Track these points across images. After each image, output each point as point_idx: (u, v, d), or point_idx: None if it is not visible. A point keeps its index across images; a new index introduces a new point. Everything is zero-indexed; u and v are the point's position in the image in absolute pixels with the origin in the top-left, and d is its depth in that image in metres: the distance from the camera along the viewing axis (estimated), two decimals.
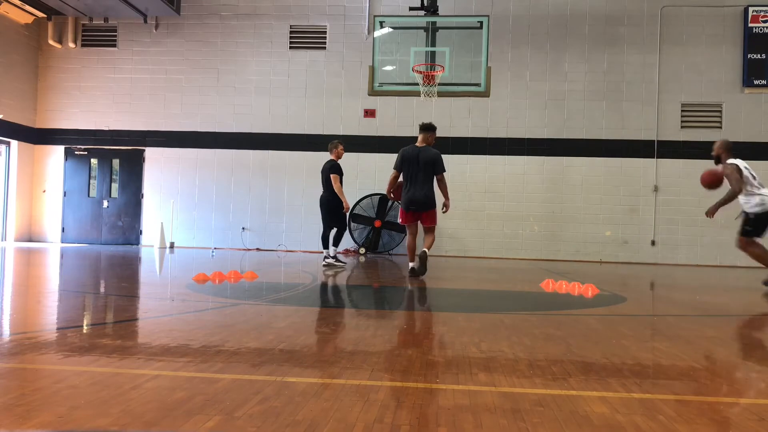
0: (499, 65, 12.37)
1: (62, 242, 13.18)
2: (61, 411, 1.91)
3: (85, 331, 3.42)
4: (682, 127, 12.77)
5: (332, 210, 8.60)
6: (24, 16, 13.26)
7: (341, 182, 8.54)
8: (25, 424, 1.78)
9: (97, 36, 13.85)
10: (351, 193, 12.89)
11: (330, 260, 8.55)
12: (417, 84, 9.83)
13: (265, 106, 13.41)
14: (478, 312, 4.57)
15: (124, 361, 2.63)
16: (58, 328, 3.54)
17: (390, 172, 7.50)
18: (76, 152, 13.79)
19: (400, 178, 7.28)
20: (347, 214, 8.85)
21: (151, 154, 13.62)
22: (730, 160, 7.03)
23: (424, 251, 7.10)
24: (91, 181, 13.86)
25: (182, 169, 13.53)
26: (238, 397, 2.10)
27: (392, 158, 7.58)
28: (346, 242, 12.98)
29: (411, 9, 10.69)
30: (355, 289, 6.36)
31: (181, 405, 1.99)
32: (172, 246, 13.21)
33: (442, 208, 7.32)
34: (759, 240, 6.95)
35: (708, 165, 12.67)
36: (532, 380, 2.48)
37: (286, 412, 1.95)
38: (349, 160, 13.30)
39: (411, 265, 7.17)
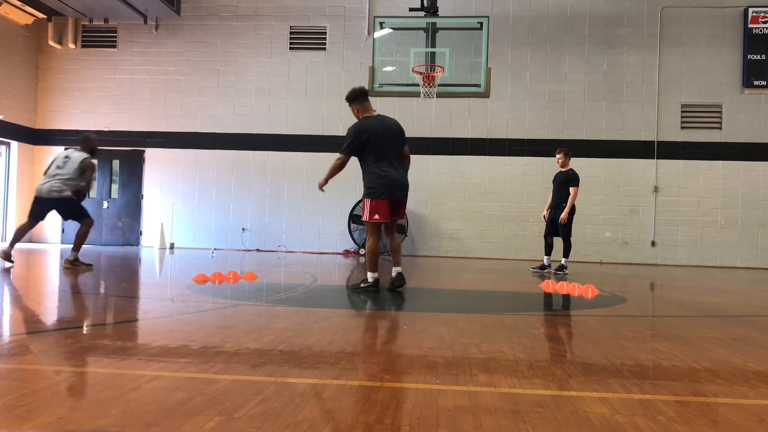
0: (499, 66, 12.38)
1: (62, 243, 13.18)
2: (61, 412, 1.91)
3: (85, 332, 3.42)
4: (682, 127, 12.78)
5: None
6: (24, 17, 13.26)
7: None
8: (25, 425, 1.78)
9: (97, 37, 13.85)
10: (352, 194, 12.92)
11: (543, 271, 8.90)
12: (417, 85, 9.83)
13: (265, 107, 13.42)
14: (479, 313, 4.57)
15: (124, 361, 2.63)
16: (58, 329, 3.54)
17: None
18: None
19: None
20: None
21: (151, 154, 13.62)
22: None
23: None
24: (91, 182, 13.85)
25: (182, 170, 13.54)
26: (238, 398, 2.10)
27: None
28: (346, 243, 12.99)
29: (411, 10, 10.70)
30: (355, 290, 6.35)
31: (181, 406, 1.99)
32: (172, 247, 13.21)
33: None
34: None
35: (708, 166, 12.82)
36: (532, 381, 2.48)
37: (286, 413, 1.95)
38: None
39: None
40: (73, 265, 7.21)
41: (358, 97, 5.59)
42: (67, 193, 7.27)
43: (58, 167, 7.33)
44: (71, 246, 7.46)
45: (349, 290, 5.98)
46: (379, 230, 5.58)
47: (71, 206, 7.43)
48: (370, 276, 5.58)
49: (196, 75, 13.54)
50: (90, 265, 7.44)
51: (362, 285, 5.63)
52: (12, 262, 7.44)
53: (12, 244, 7.42)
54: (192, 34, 13.60)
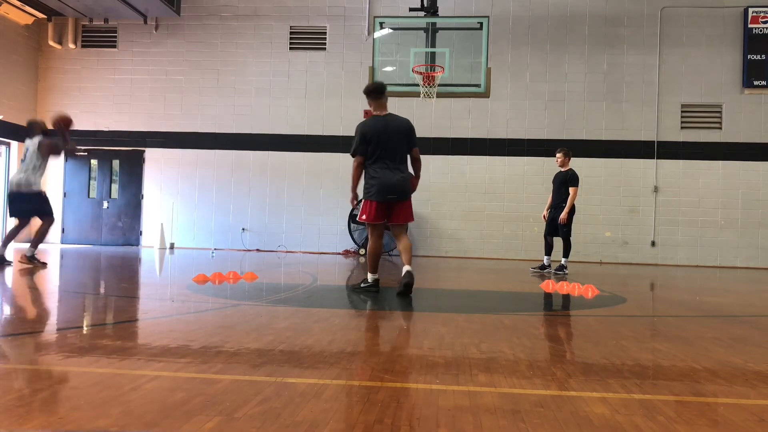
0: (499, 66, 12.38)
1: (62, 243, 13.17)
2: (61, 412, 1.91)
3: (85, 332, 3.42)
4: (682, 127, 12.78)
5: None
6: (24, 17, 13.26)
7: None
8: (25, 425, 1.78)
9: (97, 37, 13.85)
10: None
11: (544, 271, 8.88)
12: (417, 85, 9.83)
13: (265, 107, 13.42)
14: (479, 313, 4.57)
15: (124, 361, 2.63)
16: (58, 329, 3.54)
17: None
18: (76, 153, 13.78)
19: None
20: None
21: (151, 154, 13.62)
22: None
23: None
24: (91, 182, 13.86)
25: (182, 170, 13.54)
26: (238, 397, 2.10)
27: None
28: (346, 243, 12.99)
29: (411, 10, 10.70)
30: (355, 290, 6.35)
31: (181, 406, 1.99)
32: (172, 247, 13.21)
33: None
34: None
35: (708, 166, 12.82)
36: (532, 381, 2.48)
37: (286, 412, 1.95)
38: (349, 161, 13.34)
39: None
40: (29, 262, 7.35)
41: (370, 94, 5.65)
42: (36, 187, 7.44)
43: (22, 161, 7.57)
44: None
45: (349, 290, 5.99)
46: (377, 232, 5.55)
47: (38, 202, 7.54)
48: (370, 277, 5.60)
49: (196, 75, 13.54)
50: (45, 263, 7.57)
51: (362, 285, 5.64)
52: (9, 262, 7.48)
53: (4, 245, 7.50)
54: (192, 34, 13.59)
